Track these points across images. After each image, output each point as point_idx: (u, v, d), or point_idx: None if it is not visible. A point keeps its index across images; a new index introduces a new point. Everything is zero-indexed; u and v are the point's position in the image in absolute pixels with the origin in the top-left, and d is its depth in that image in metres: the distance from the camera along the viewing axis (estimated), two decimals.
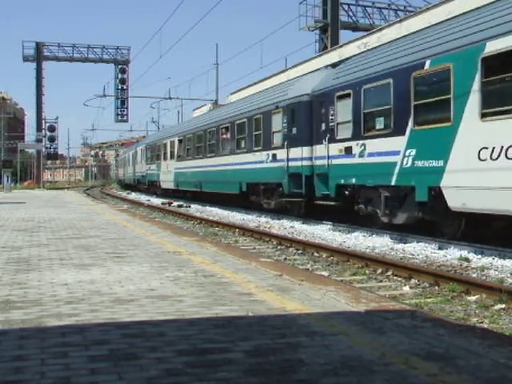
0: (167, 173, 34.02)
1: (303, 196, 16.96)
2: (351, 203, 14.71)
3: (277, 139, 18.54)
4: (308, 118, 16.56)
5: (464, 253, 10.47)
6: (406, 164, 12.06)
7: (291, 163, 17.26)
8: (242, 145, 21.83)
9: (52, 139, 60.65)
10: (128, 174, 56.29)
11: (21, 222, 13.43)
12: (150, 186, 41.45)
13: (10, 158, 79.63)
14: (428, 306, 6.71)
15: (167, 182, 34.19)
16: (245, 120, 21.53)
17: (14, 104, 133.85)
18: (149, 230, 11.51)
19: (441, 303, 6.96)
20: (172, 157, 33.03)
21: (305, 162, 16.57)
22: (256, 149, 20.22)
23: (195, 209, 26.35)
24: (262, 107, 19.96)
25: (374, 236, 13.43)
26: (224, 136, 23.76)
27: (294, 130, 17.15)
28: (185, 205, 28.43)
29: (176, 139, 32.38)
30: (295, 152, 17.09)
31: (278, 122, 18.42)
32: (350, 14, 32.62)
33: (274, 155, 18.56)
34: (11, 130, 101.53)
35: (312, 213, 17.49)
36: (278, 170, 18.21)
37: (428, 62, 11.17)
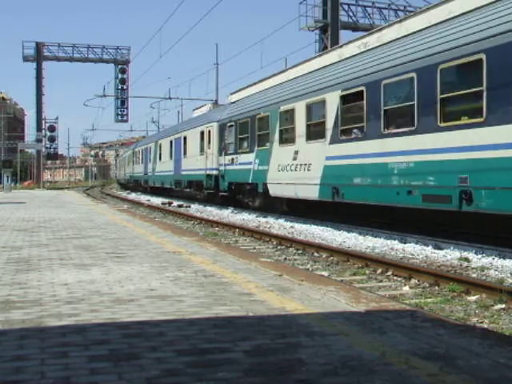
0: (297, 168, 17.06)
1: None
2: None
3: None
4: None
5: (464, 253, 10.47)
6: None
7: None
8: None
9: (52, 139, 60.66)
10: (157, 174, 39.13)
11: (21, 221, 13.43)
12: (231, 192, 23.57)
13: (9, 158, 79.67)
14: (428, 306, 6.71)
15: (298, 185, 16.97)
16: None
17: (14, 104, 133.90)
18: (149, 229, 11.51)
19: (441, 303, 6.96)
20: (314, 135, 16.19)
21: None
22: None
23: (195, 209, 26.34)
24: None
25: (373, 236, 13.43)
26: None
27: None
28: (185, 205, 28.43)
29: (334, 97, 15.11)
30: None
31: None
32: (350, 14, 32.66)
33: None
34: (11, 130, 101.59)
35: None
36: None
37: None
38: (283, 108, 18.25)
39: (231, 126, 23.19)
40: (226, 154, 23.55)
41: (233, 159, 22.70)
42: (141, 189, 48.79)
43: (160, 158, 38.36)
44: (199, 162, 27.48)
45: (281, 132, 18.48)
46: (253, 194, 21.44)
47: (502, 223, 11.17)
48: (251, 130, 20.89)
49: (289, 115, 17.82)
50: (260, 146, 20.14)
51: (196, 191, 29.65)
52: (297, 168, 17.12)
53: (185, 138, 31.27)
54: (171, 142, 34.90)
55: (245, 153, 21.49)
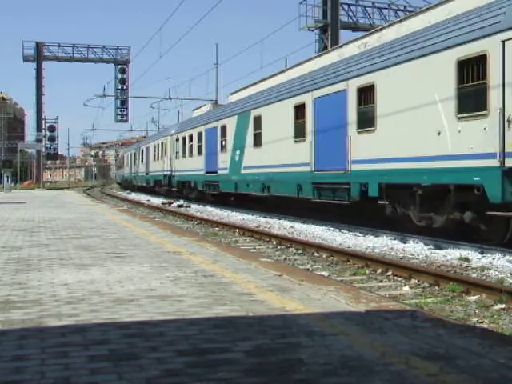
0: None
1: None
2: None
3: None
4: None
5: (464, 253, 10.47)
6: None
7: None
8: None
9: (52, 139, 60.68)
10: (247, 171, 21.65)
11: (21, 221, 13.43)
12: None
13: (10, 158, 79.63)
14: (428, 306, 6.71)
15: None
16: None
17: (14, 104, 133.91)
18: (149, 229, 11.50)
19: (441, 303, 6.96)
20: None
21: None
22: None
23: (195, 209, 26.34)
24: None
25: (373, 236, 13.43)
26: None
27: None
28: (185, 205, 28.41)
29: None
30: None
31: None
32: (350, 14, 32.68)
33: None
34: (11, 130, 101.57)
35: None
36: None
37: None
38: None
39: None
40: None
41: None
42: (193, 196, 30.34)
43: (256, 143, 20.57)
44: (469, 136, 10.64)
45: None
46: None
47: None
48: None
49: None
50: None
51: (424, 212, 12.26)
52: None
53: (363, 91, 14.07)
54: (301, 107, 17.16)
55: None
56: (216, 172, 25.20)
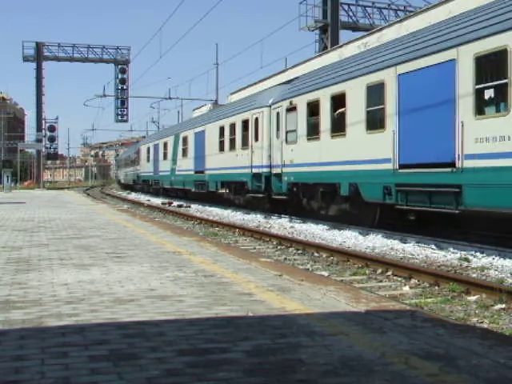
0: None
1: None
2: None
3: None
4: None
5: (464, 253, 10.47)
6: None
7: None
8: None
9: (52, 139, 60.67)
10: None
11: (21, 221, 13.42)
12: None
13: (9, 158, 79.59)
14: (428, 306, 6.71)
15: None
16: None
17: (14, 104, 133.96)
18: (149, 229, 11.50)
19: (441, 303, 6.96)
20: None
21: None
22: None
23: (195, 209, 26.34)
24: None
25: (373, 236, 13.42)
26: None
27: None
28: (185, 205, 28.40)
29: None
30: None
31: None
32: (350, 14, 32.68)
33: None
34: (11, 130, 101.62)
35: None
36: None
37: None
38: None
39: None
40: None
41: None
42: (333, 212, 16.31)
43: None
44: None
45: None
46: None
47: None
48: None
49: None
50: None
51: None
52: None
53: None
54: None
55: None
56: (453, 165, 11.04)
